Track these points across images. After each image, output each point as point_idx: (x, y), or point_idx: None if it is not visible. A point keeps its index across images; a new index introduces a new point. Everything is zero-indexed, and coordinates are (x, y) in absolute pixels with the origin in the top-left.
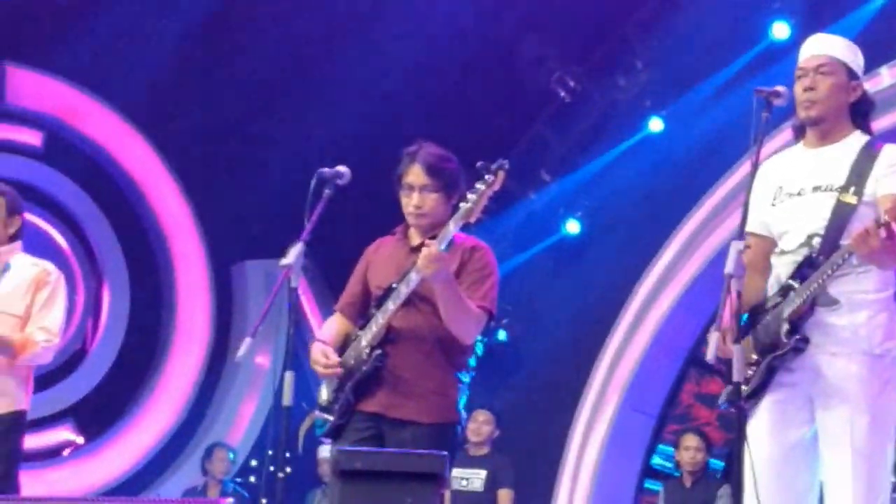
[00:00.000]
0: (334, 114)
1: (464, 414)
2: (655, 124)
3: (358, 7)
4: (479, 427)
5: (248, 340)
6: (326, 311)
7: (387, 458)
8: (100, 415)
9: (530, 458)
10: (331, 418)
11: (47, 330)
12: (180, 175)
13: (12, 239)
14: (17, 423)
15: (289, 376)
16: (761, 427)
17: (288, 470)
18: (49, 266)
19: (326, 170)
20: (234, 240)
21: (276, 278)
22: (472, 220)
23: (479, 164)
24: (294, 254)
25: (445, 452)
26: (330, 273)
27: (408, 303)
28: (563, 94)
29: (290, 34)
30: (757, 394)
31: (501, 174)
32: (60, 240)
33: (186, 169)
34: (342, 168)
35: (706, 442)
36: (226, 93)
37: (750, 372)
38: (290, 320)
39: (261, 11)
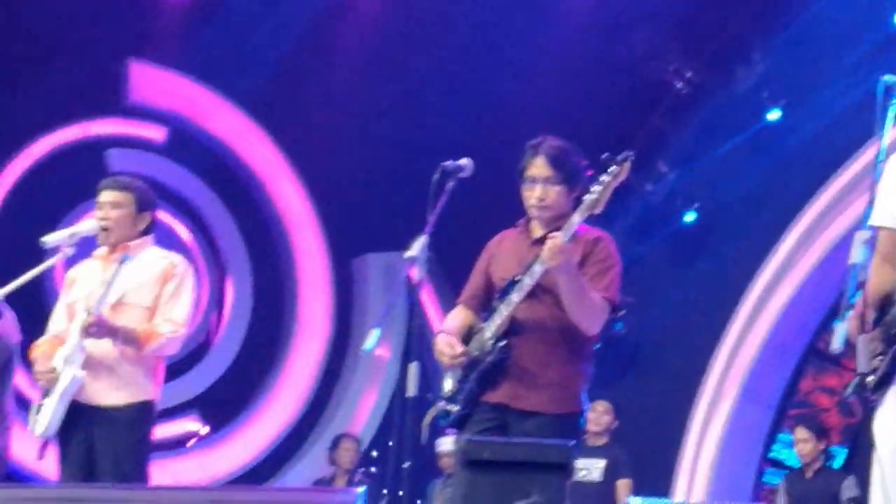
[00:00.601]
0: (456, 108)
1: (587, 404)
2: (773, 115)
3: (478, 4)
4: (599, 417)
5: (375, 332)
6: (445, 303)
7: (514, 447)
8: (224, 406)
9: (648, 448)
10: (455, 409)
11: (173, 321)
12: (301, 169)
13: (143, 234)
14: (145, 413)
15: (413, 367)
16: (888, 418)
17: (400, 460)
18: (177, 259)
19: (449, 163)
20: (354, 232)
21: (396, 270)
22: (598, 211)
23: (604, 155)
24: (418, 246)
25: (573, 442)
26: (448, 265)
27: (531, 294)
28: (680, 85)
29: (411, 32)
30: (883, 385)
31: (627, 165)
32: (185, 234)
33: (307, 162)
34: (464, 161)
35: (819, 432)
36: (346, 87)
37: (876, 362)
38: (412, 312)
39: (384, 9)
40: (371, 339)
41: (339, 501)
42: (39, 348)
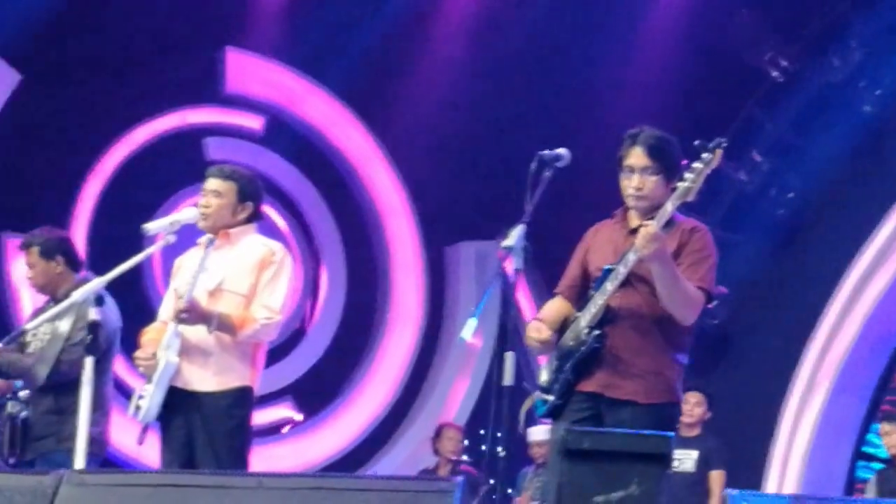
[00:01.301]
0: (552, 97)
1: (681, 395)
2: (868, 104)
3: None
4: (692, 409)
5: (472, 321)
6: (537, 293)
7: (614, 437)
8: (318, 393)
9: (740, 440)
10: (550, 398)
11: (268, 307)
12: (395, 157)
13: (246, 223)
14: (242, 399)
15: (509, 356)
16: None
17: (497, 449)
18: (275, 246)
19: (547, 152)
20: (447, 221)
21: (488, 259)
22: (691, 199)
23: (696, 142)
24: (515, 236)
25: (672, 433)
26: (543, 255)
27: (626, 283)
28: (775, 73)
29: (506, 20)
30: None
31: (719, 152)
32: (280, 222)
33: (402, 151)
34: (562, 150)
35: None
36: (441, 76)
37: None
38: (506, 301)
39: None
40: (468, 328)
41: (439, 490)
42: (147, 334)
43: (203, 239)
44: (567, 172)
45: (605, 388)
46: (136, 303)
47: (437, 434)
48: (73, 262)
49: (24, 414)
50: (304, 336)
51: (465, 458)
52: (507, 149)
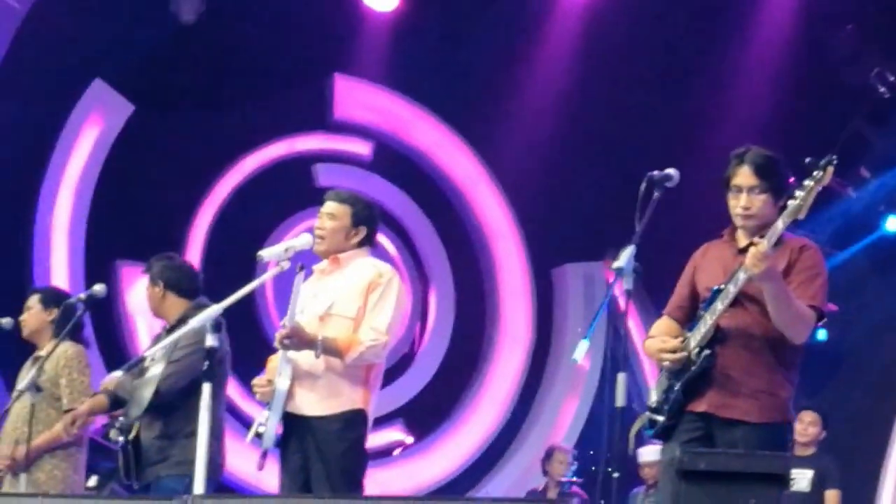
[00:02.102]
0: (657, 117)
1: (793, 413)
2: None
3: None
4: (806, 428)
5: (584, 342)
6: (644, 314)
7: (731, 458)
8: (428, 415)
9: (852, 458)
10: (661, 419)
11: (375, 329)
12: (502, 180)
13: (359, 246)
14: (354, 422)
15: (621, 378)
16: None
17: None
18: (383, 268)
19: (656, 172)
20: (554, 242)
21: (595, 280)
22: (801, 216)
23: (807, 160)
24: (625, 257)
25: (789, 454)
26: (650, 276)
27: (736, 303)
28: (882, 89)
29: (611, 43)
30: None
31: (830, 170)
32: (389, 246)
33: (508, 173)
34: (671, 171)
35: None
36: (546, 98)
37: None
38: (615, 322)
39: (584, 21)
40: (580, 349)
41: None
42: (272, 361)
43: (321, 265)
44: (675, 192)
45: (717, 408)
46: (249, 328)
47: (548, 456)
48: (179, 288)
49: (120, 439)
50: (413, 359)
51: (574, 479)
52: (611, 170)
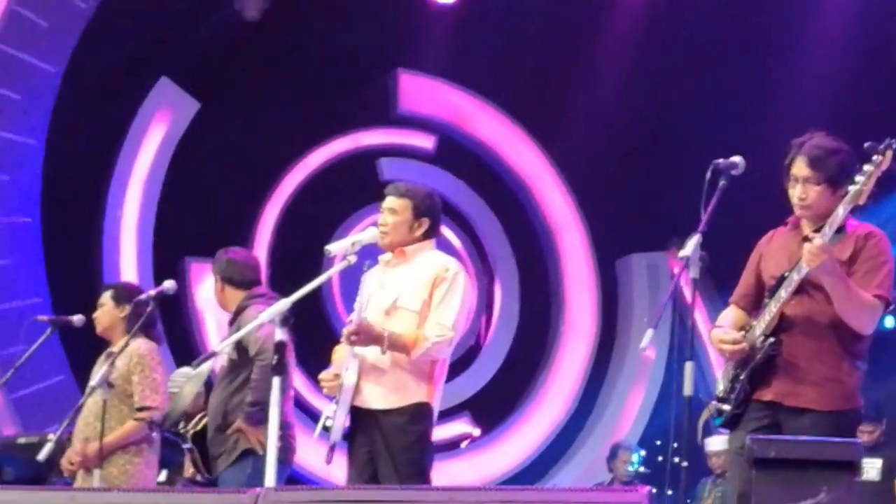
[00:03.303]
0: (720, 105)
1: (860, 401)
2: None
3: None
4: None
5: (650, 332)
6: (710, 303)
7: (801, 446)
8: (494, 408)
9: None
10: (728, 408)
11: (441, 324)
12: (565, 171)
13: (423, 239)
14: (419, 415)
15: (689, 366)
16: None
17: (677, 460)
18: (449, 262)
19: (721, 161)
20: (618, 233)
21: (659, 270)
22: (862, 202)
23: (866, 144)
24: (692, 245)
25: (860, 441)
26: (713, 264)
27: (800, 290)
28: None
29: (672, 32)
30: None
31: (889, 154)
32: (454, 240)
33: (571, 164)
34: (736, 158)
35: None
36: (609, 88)
37: None
38: (680, 311)
39: (645, 10)
40: (646, 338)
41: (629, 501)
42: (337, 353)
43: (385, 257)
44: (740, 179)
45: (784, 396)
46: (316, 322)
47: (613, 454)
48: (233, 280)
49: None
50: (479, 352)
51: (641, 469)
52: (674, 159)
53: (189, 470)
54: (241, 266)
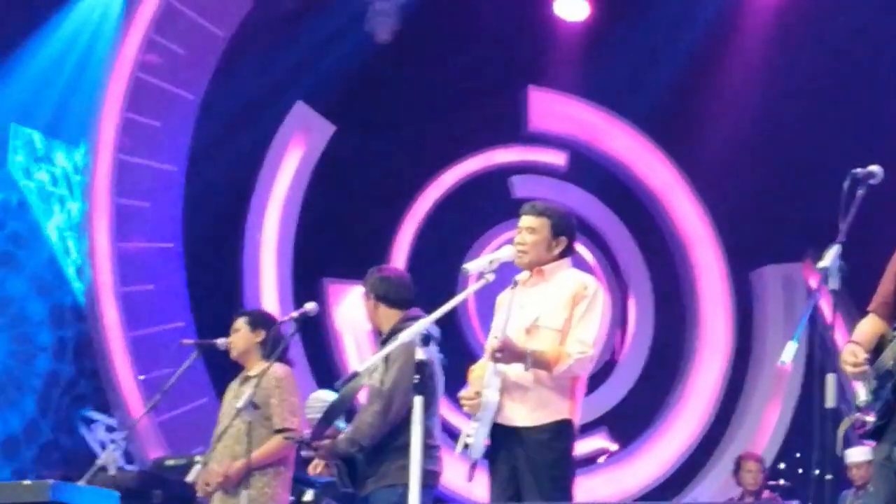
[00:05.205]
0: (853, 115)
1: None
2: None
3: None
4: None
5: (792, 344)
6: (846, 312)
7: None
8: (631, 422)
9: None
10: (871, 419)
11: (582, 341)
12: (697, 184)
13: (560, 257)
14: (562, 432)
15: (831, 378)
16: None
17: (819, 473)
18: (588, 280)
19: (859, 170)
20: (751, 245)
21: (794, 282)
22: None
23: None
24: (830, 256)
25: None
26: (850, 273)
27: None
28: None
29: (804, 42)
30: None
31: None
32: (587, 255)
33: (703, 177)
34: (875, 168)
35: None
36: (739, 99)
37: None
38: (825, 323)
39: (775, 21)
40: (788, 351)
41: None
42: (474, 372)
43: (522, 276)
44: (878, 189)
45: None
46: (452, 340)
47: (737, 466)
48: (388, 299)
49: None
50: (615, 367)
51: (781, 481)
52: (807, 169)
53: (317, 468)
54: (395, 284)
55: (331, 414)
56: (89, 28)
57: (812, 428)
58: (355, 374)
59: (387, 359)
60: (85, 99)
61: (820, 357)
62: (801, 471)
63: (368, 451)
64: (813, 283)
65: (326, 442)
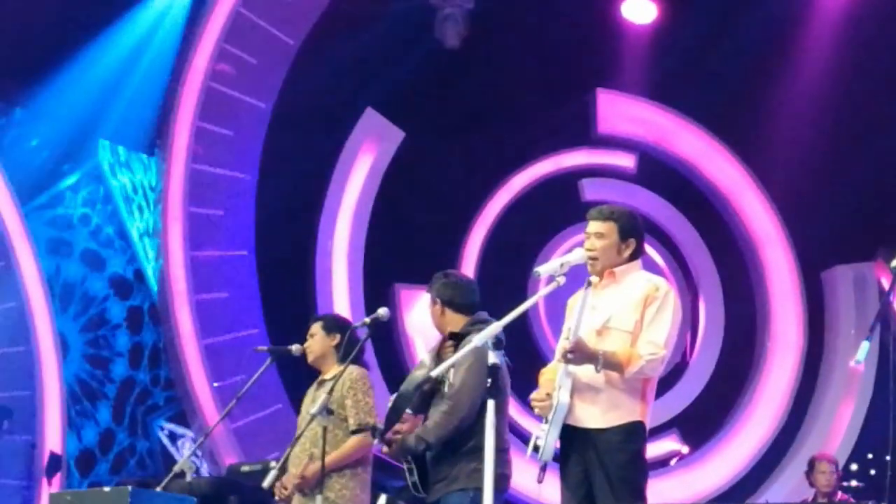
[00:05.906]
0: None
1: None
2: None
3: None
4: None
5: (866, 344)
6: None
7: None
8: (702, 424)
9: None
10: None
11: (653, 343)
12: (767, 184)
13: (630, 259)
14: (634, 434)
15: None
16: None
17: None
18: (659, 281)
19: None
20: (822, 245)
21: (866, 281)
22: None
23: None
24: None
25: None
26: None
27: None
28: None
29: (872, 40)
30: None
31: None
32: (657, 257)
33: (772, 177)
34: None
35: None
36: (808, 98)
37: None
38: (889, 322)
39: (844, 18)
40: (862, 350)
41: None
42: (544, 375)
43: (592, 279)
44: None
45: None
46: (523, 342)
47: (810, 467)
48: (454, 304)
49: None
50: (686, 369)
51: (854, 483)
52: (877, 168)
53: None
54: (462, 288)
55: (398, 406)
56: (153, 36)
57: (886, 428)
58: (429, 380)
59: (458, 361)
60: (148, 110)
61: (893, 356)
62: (873, 472)
63: (438, 454)
64: (885, 282)
65: (398, 435)
